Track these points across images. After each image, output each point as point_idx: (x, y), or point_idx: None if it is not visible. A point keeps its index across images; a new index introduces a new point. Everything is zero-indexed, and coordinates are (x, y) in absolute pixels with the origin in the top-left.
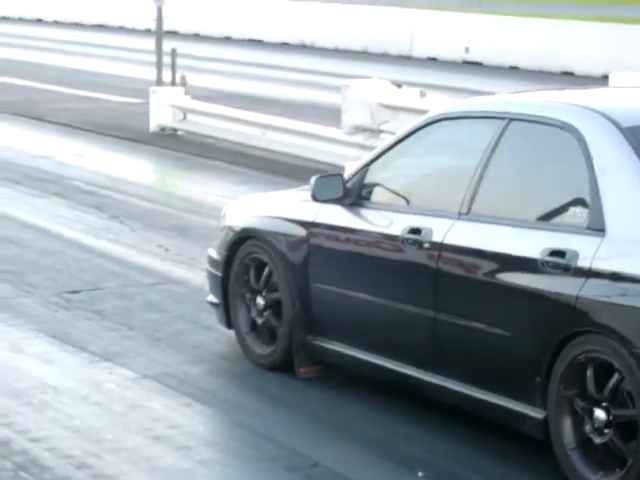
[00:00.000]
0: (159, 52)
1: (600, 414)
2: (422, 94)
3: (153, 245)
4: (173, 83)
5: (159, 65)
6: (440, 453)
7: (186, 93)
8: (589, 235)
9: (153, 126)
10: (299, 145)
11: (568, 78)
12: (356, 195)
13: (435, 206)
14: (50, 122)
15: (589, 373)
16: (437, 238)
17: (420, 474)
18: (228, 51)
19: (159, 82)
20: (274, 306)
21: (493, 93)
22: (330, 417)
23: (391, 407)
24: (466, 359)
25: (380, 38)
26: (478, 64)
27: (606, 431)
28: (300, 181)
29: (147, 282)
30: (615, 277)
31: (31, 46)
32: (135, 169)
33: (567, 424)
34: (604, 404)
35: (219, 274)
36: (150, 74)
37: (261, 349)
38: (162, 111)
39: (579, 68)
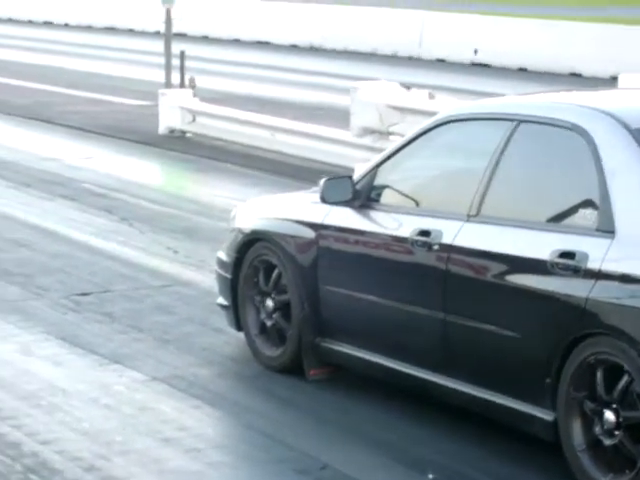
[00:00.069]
0: (168, 54)
1: (610, 416)
2: (431, 96)
3: (162, 247)
4: (182, 85)
5: (168, 67)
6: (450, 455)
7: (195, 95)
8: (599, 237)
9: (162, 128)
10: (308, 147)
11: (576, 80)
12: (365, 197)
13: (444, 208)
14: (60, 125)
15: (599, 375)
16: (446, 240)
17: (430, 476)
18: (237, 53)
19: (168, 84)
20: (283, 308)
21: (502, 95)
22: (339, 419)
23: (400, 409)
24: (475, 361)
25: (389, 40)
26: (487, 66)
27: (616, 433)
28: (309, 183)
29: (156, 284)
30: (625, 279)
31: (41, 49)
32: (144, 171)
33: (577, 426)
34: (614, 406)
35: (228, 276)
36: (159, 76)
37: (270, 351)
38: (171, 113)
39: (587, 70)
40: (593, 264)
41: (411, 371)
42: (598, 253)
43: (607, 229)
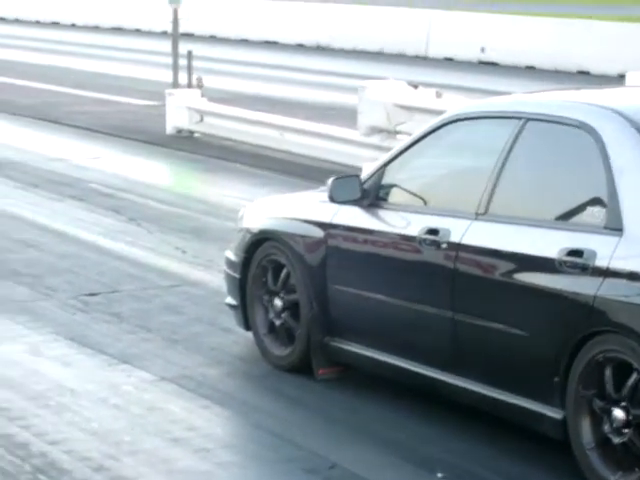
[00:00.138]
0: (175, 54)
1: (619, 414)
2: (438, 94)
3: (171, 247)
4: (189, 85)
5: (175, 67)
6: (459, 453)
7: (202, 95)
8: (607, 235)
9: (169, 128)
10: (316, 147)
11: (584, 77)
12: (373, 196)
13: (452, 207)
14: (67, 125)
15: (607, 373)
16: (455, 238)
17: (439, 475)
18: (244, 53)
19: (175, 84)
20: (292, 307)
21: (509, 93)
22: (348, 418)
23: (409, 408)
24: (484, 359)
25: (396, 39)
26: (494, 64)
27: (625, 431)
28: (317, 182)
29: (165, 284)
30: (633, 276)
31: (48, 49)
32: (152, 172)
33: (586, 424)
34: (623, 404)
35: (237, 276)
36: (166, 76)
37: (279, 351)
38: (178, 113)
39: (595, 67)
40: (601, 262)
41: (420, 370)
42: (606, 251)
43: (615, 227)
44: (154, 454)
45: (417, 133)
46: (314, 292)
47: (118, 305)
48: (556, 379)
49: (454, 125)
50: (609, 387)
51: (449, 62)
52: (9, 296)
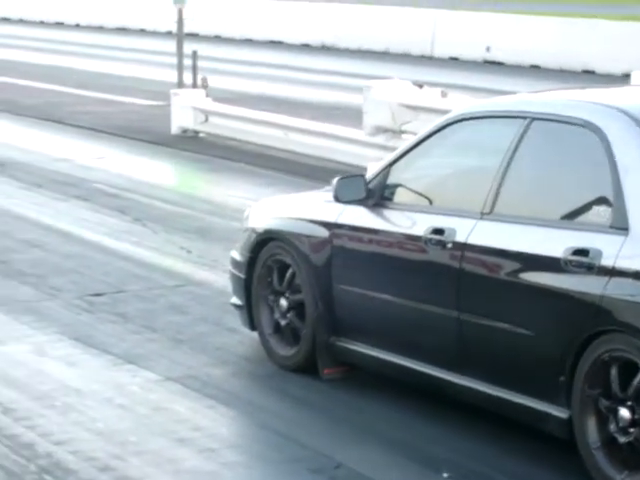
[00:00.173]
0: (180, 54)
1: (625, 413)
2: (443, 94)
3: (176, 247)
4: (194, 85)
5: (180, 67)
6: (464, 453)
7: (207, 95)
8: (612, 234)
9: (174, 128)
10: (321, 146)
11: (589, 77)
12: (378, 196)
13: (458, 206)
14: (71, 125)
15: (613, 372)
16: (460, 238)
17: (445, 475)
18: (249, 53)
19: (180, 84)
20: (297, 307)
21: (514, 92)
22: (354, 418)
23: (415, 408)
24: (490, 359)
25: (401, 38)
26: (499, 64)
27: (631, 430)
28: (322, 182)
29: (170, 284)
30: (639, 276)
31: (52, 49)
32: (157, 172)
33: (591, 423)
34: (629, 403)
35: (242, 276)
36: (171, 76)
37: (284, 351)
38: (183, 113)
39: (600, 67)
40: (607, 261)
41: (425, 370)
42: (612, 250)
43: (621, 226)
44: (160, 454)
45: (422, 133)
46: (319, 292)
47: (123, 305)
48: (562, 378)
49: (459, 125)
50: (615, 386)
51: (454, 62)
52: (14, 296)
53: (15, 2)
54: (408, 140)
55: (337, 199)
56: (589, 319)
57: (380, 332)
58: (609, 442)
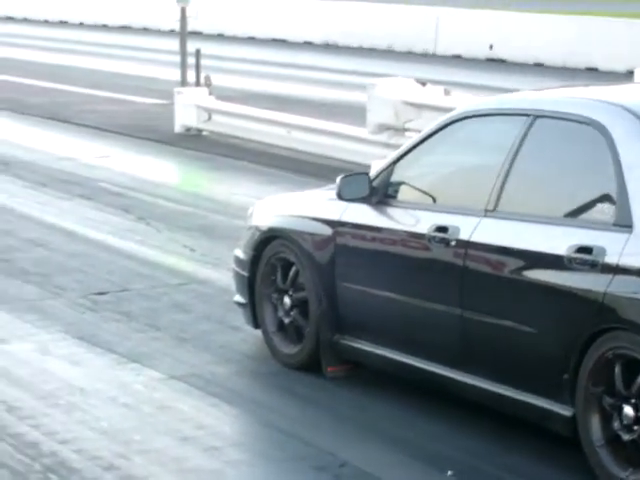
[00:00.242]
0: (183, 53)
1: (629, 411)
2: (447, 92)
3: (179, 246)
4: (197, 84)
5: (183, 66)
6: (468, 451)
7: (210, 93)
8: (616, 231)
9: (178, 127)
10: (324, 144)
11: (592, 74)
12: (382, 194)
13: (461, 204)
14: (75, 124)
15: (617, 370)
16: (464, 236)
17: (449, 473)
18: (252, 51)
19: (184, 83)
20: (301, 305)
21: (518, 90)
22: (358, 416)
23: (418, 405)
24: (493, 357)
25: (404, 36)
26: (502, 61)
27: (635, 428)
28: (326, 180)
29: (174, 283)
30: None
31: (56, 48)
32: (160, 170)
33: (595, 421)
34: (632, 401)
35: (246, 274)
36: (175, 75)
37: (288, 349)
38: (187, 112)
39: (603, 64)
40: (611, 259)
41: (429, 367)
42: (616, 247)
43: (625, 223)
44: (164, 453)
45: (426, 130)
46: (323, 290)
47: (127, 304)
48: (565, 376)
49: (463, 122)
50: (619, 384)
51: (457, 59)
52: (18, 295)
53: (19, 1)
54: (411, 138)
55: (340, 197)
56: (593, 317)
57: (384, 330)
58: (613, 440)
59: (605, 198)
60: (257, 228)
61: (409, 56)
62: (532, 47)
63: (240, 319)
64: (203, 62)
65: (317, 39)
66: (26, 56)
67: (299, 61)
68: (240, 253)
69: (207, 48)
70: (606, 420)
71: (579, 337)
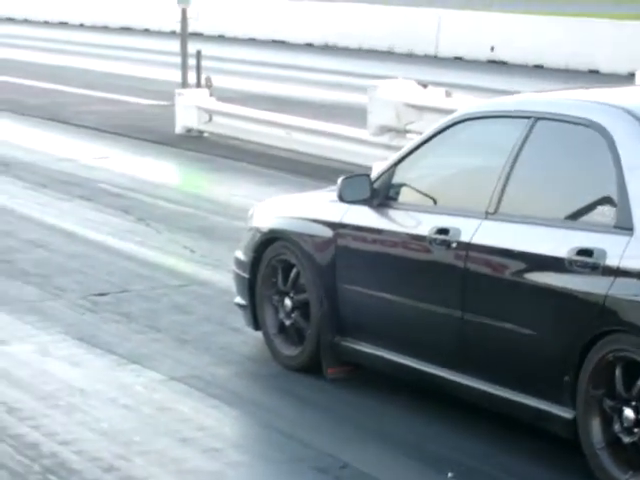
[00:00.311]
0: (184, 54)
1: (629, 413)
2: (448, 94)
3: (179, 247)
4: (198, 85)
5: (184, 67)
6: (467, 452)
7: (211, 95)
8: (617, 234)
9: (179, 128)
10: (325, 146)
11: (594, 76)
12: (383, 196)
13: (462, 206)
14: (76, 125)
15: (618, 372)
16: (465, 238)
17: (450, 474)
18: (253, 52)
19: (184, 84)
20: (302, 307)
21: (519, 92)
22: (358, 418)
23: (419, 407)
24: (494, 359)
25: (405, 38)
26: (503, 63)
27: (635, 430)
28: (326, 182)
29: (174, 284)
30: None
31: (56, 49)
32: (161, 171)
33: (596, 423)
34: (633, 403)
35: (246, 276)
36: (175, 76)
37: (289, 350)
38: (187, 113)
39: (605, 66)
40: (611, 261)
41: (429, 369)
42: (616, 250)
43: (625, 226)
44: (164, 454)
45: (427, 132)
46: (324, 292)
47: (127, 305)
48: (566, 378)
49: (464, 124)
50: (619, 386)
51: (458, 61)
52: (18, 296)
53: (19, 2)
54: (413, 140)
55: (341, 199)
56: (593, 319)
57: (384, 332)
58: (613, 442)
59: (606, 200)
60: (258, 230)
61: (410, 58)
62: (533, 49)
63: (240, 321)
64: (204, 63)
65: (317, 40)
66: (26, 57)
67: (299, 62)
68: (240, 255)
69: (208, 49)
70: (607, 422)
71: (580, 339)
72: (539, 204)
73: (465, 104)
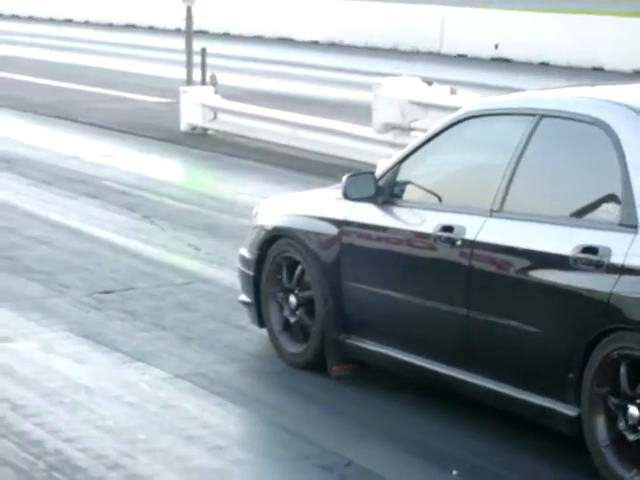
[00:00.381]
0: (189, 51)
1: (634, 411)
2: (452, 91)
3: (184, 245)
4: (203, 82)
5: (189, 65)
6: (471, 450)
7: (216, 92)
8: (622, 232)
9: (184, 126)
10: (330, 143)
11: (598, 74)
12: (388, 193)
13: (467, 203)
14: (81, 122)
15: (622, 370)
16: (469, 236)
17: (454, 472)
18: (258, 50)
19: (189, 82)
20: (306, 305)
21: (523, 90)
22: (363, 416)
23: (424, 405)
24: (499, 357)
25: (410, 35)
26: (508, 61)
27: None
28: (331, 179)
29: (178, 282)
30: None
31: (62, 47)
32: (166, 169)
33: (600, 421)
34: (638, 401)
35: (251, 273)
36: (180, 74)
37: (294, 348)
38: (192, 111)
39: (609, 64)
40: (616, 259)
41: (434, 367)
42: (621, 248)
43: (630, 224)
44: (169, 452)
45: (432, 130)
46: (329, 289)
47: (132, 302)
48: (571, 376)
49: (469, 122)
50: (624, 384)
51: (463, 59)
52: (22, 293)
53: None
54: (417, 137)
55: (346, 196)
56: (598, 317)
57: (389, 329)
58: (618, 440)
59: (611, 198)
60: (262, 227)
61: (415, 55)
62: (538, 47)
63: (245, 318)
64: (209, 61)
65: (323, 38)
66: (32, 54)
67: (305, 60)
68: (245, 252)
69: (213, 47)
70: (611, 420)
71: (584, 337)
72: (544, 202)
73: (470, 102)
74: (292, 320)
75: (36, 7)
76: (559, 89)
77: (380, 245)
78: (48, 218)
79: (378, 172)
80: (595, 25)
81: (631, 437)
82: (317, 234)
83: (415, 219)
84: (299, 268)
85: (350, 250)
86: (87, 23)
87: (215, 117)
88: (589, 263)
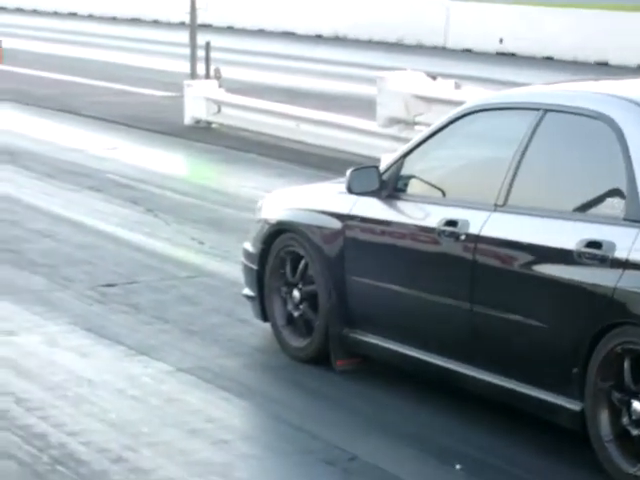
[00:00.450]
0: (193, 45)
1: (637, 406)
2: (457, 85)
3: (188, 238)
4: (207, 76)
5: (193, 58)
6: (475, 444)
7: (220, 86)
8: (626, 226)
9: (187, 119)
10: (333, 137)
11: (603, 68)
12: (392, 187)
13: (471, 198)
14: (85, 116)
15: (626, 365)
16: (473, 230)
17: (458, 466)
18: (262, 43)
19: (193, 75)
20: (310, 299)
21: (528, 84)
22: (367, 410)
23: (427, 399)
24: (502, 351)
25: (414, 29)
26: (512, 55)
27: None
28: (335, 173)
29: (182, 275)
30: None
31: (66, 40)
32: (169, 162)
33: (604, 416)
34: None
35: (255, 267)
36: (184, 67)
37: (297, 342)
38: (196, 104)
39: (614, 58)
40: (620, 253)
41: (437, 361)
42: (625, 242)
43: (634, 218)
44: (172, 445)
45: (436, 124)
46: (332, 283)
47: (135, 296)
48: (574, 371)
49: (473, 116)
50: (628, 379)
51: (468, 53)
52: (26, 286)
53: None
54: (422, 132)
55: (350, 190)
56: (602, 311)
57: (393, 323)
58: (622, 435)
59: (615, 192)
60: (266, 221)
61: (419, 49)
62: (542, 41)
63: (249, 312)
64: (213, 54)
65: (327, 32)
66: (35, 48)
67: (308, 54)
68: (249, 246)
69: (217, 40)
70: (615, 415)
71: (588, 332)
72: (548, 196)
73: (474, 96)
74: (296, 314)
75: (40, 0)
76: (563, 83)
77: (384, 239)
78: (51, 211)
79: (382, 166)
80: (599, 19)
81: (635, 432)
82: (321, 228)
83: (419, 213)
84: (303, 262)
85: (354, 244)
86: (91, 16)
87: (219, 111)
88: (593, 258)
